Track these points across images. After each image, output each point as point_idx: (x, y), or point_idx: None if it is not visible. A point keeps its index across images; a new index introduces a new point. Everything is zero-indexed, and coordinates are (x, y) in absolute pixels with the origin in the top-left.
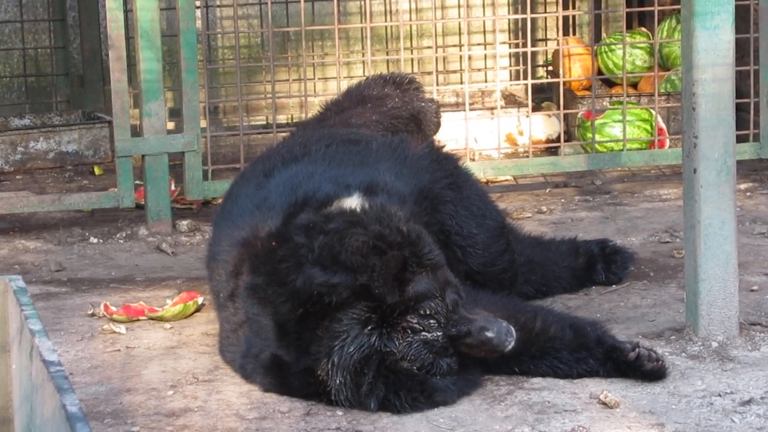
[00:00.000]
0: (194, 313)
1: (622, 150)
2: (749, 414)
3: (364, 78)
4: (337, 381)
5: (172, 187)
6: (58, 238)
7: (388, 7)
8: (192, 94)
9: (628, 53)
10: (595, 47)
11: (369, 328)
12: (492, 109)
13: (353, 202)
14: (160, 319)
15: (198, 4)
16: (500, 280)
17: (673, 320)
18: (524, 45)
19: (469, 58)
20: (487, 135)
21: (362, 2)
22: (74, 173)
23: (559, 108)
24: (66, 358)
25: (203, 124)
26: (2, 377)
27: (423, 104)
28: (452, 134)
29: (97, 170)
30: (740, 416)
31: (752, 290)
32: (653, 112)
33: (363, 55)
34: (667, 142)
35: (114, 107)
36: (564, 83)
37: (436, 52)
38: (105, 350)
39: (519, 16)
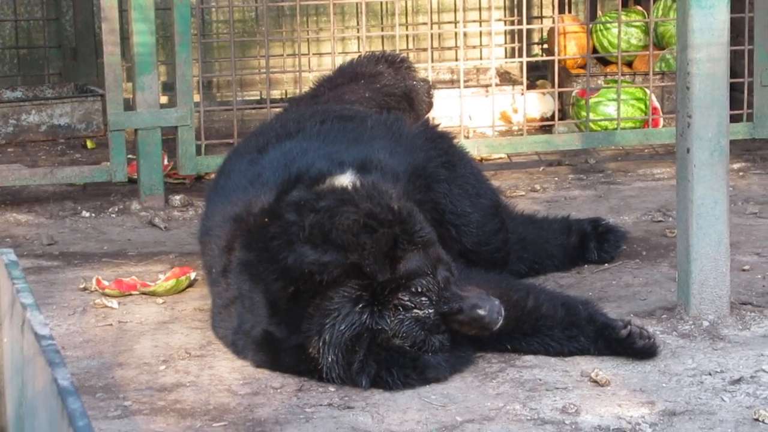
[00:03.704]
0: (187, 288)
1: (616, 129)
2: (739, 393)
3: (357, 56)
4: (329, 359)
5: (165, 162)
6: (50, 212)
7: None
8: (185, 68)
9: (624, 32)
10: (591, 25)
11: (360, 306)
12: (487, 86)
13: (346, 179)
14: (153, 294)
15: None
16: (494, 258)
17: (665, 299)
18: (519, 22)
19: (465, 35)
20: (481, 112)
21: None
22: (66, 147)
23: (553, 86)
24: (58, 332)
25: (197, 98)
26: None
27: (415, 83)
28: (447, 111)
29: (89, 144)
30: (730, 395)
31: (744, 270)
32: (647, 91)
33: (358, 31)
34: (661, 122)
35: (107, 80)
36: (559, 61)
37: (432, 28)
38: (97, 325)
39: None
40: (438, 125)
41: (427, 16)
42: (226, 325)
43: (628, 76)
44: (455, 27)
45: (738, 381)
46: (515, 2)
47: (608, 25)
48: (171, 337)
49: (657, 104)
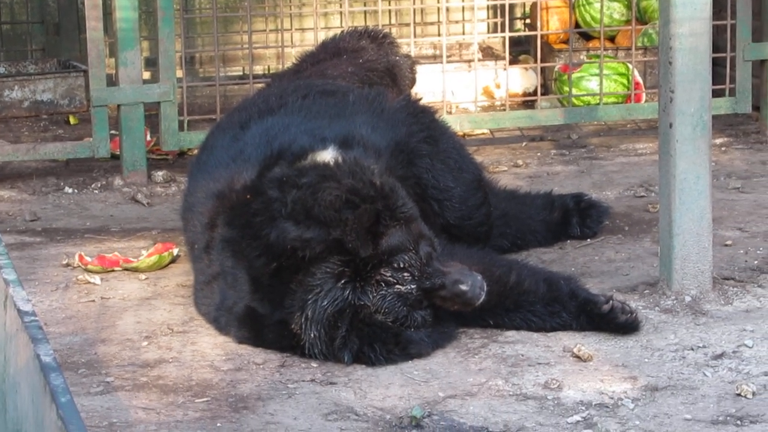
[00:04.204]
0: (169, 264)
1: (598, 104)
2: (721, 368)
3: (340, 31)
4: (311, 335)
5: (148, 138)
6: (32, 188)
7: None
8: (168, 44)
9: (606, 6)
10: (573, 0)
11: (342, 281)
12: (469, 61)
13: (328, 155)
14: (135, 270)
15: None
16: (476, 233)
17: (647, 274)
18: None
19: (447, 9)
20: (464, 88)
21: None
22: (49, 122)
23: (536, 61)
24: (40, 308)
25: (179, 74)
26: None
27: (398, 58)
28: (429, 87)
29: (72, 120)
30: (712, 370)
31: (726, 245)
32: (630, 66)
33: (340, 6)
34: (644, 96)
35: (90, 56)
36: (541, 36)
37: (414, 3)
38: (79, 301)
39: None
40: (420, 100)
41: None
42: (209, 302)
43: (610, 51)
44: (437, 2)
45: (720, 356)
46: None
47: (590, 0)
48: (153, 313)
49: (639, 79)
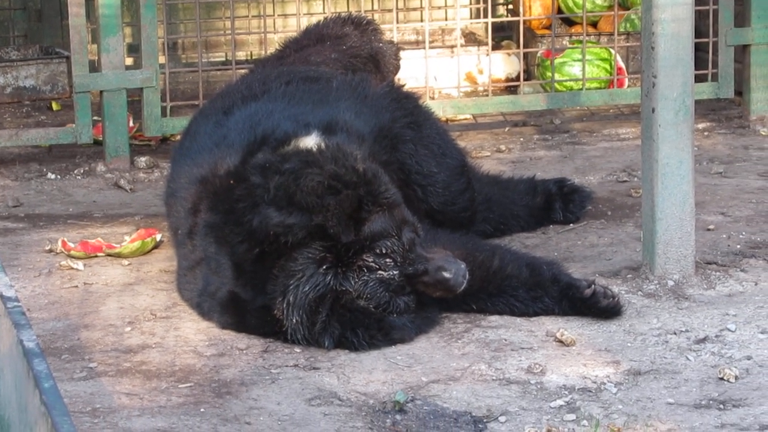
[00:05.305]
0: (152, 250)
1: (581, 89)
2: (704, 352)
3: (323, 17)
4: (293, 320)
5: (131, 124)
6: (15, 174)
7: None
8: (150, 30)
9: None
10: None
11: (324, 267)
12: (452, 47)
13: (311, 141)
14: (118, 255)
15: None
16: (460, 218)
17: (630, 259)
18: None
19: None
20: (447, 73)
21: None
22: (31, 108)
23: (519, 47)
24: (23, 294)
25: (162, 60)
26: None
27: (381, 45)
28: (412, 72)
29: (54, 106)
30: (695, 354)
31: (708, 229)
32: (613, 52)
33: None
34: (626, 82)
35: (72, 42)
36: (524, 22)
37: None
38: (62, 286)
39: None
40: (403, 86)
41: None
42: (192, 287)
43: (593, 37)
44: None
45: (703, 340)
46: None
47: None
48: (136, 298)
49: (622, 64)
